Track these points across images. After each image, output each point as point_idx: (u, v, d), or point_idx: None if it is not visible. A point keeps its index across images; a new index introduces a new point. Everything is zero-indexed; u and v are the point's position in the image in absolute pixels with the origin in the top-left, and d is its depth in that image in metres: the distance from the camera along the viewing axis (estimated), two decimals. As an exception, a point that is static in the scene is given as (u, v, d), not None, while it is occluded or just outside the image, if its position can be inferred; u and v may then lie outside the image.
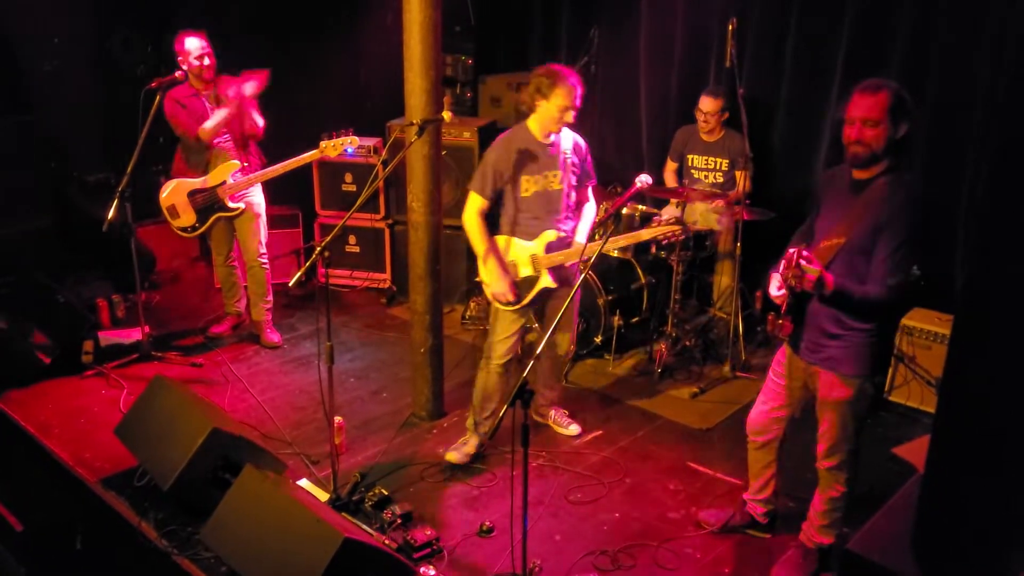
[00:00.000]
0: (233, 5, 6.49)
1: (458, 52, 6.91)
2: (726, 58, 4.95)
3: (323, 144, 5.22)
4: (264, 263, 5.57)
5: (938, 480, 2.68)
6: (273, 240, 5.80)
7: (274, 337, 5.72)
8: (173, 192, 5.33)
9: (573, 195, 4.24)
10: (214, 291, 6.41)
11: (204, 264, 6.85)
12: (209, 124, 5.15)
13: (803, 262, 2.96)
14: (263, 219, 5.51)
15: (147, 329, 5.40)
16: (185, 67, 5.16)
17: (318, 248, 3.69)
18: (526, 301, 4.22)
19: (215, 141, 5.22)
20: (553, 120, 4.01)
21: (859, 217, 3.11)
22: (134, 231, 5.17)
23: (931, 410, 4.53)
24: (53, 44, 6.02)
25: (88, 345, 5.30)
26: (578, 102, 3.98)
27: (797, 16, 5.44)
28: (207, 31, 5.20)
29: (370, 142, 6.39)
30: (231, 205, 5.34)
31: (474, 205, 4.14)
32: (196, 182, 5.30)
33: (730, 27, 4.89)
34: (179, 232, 5.44)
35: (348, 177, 6.39)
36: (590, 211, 4.36)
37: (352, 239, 6.58)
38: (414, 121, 4.18)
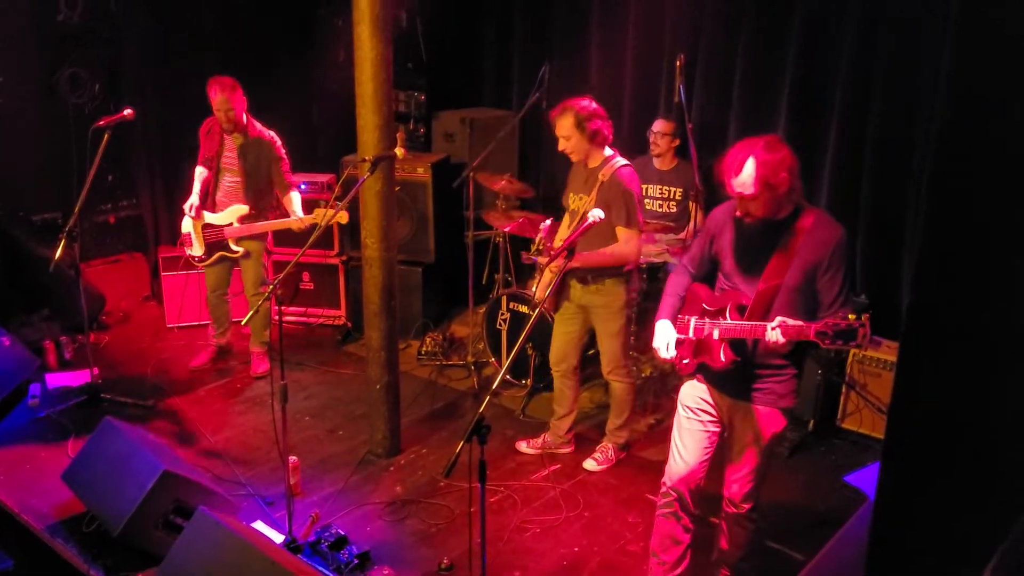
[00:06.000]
0: (184, 43, 6.46)
1: (411, 88, 6.95)
2: (675, 93, 5.05)
3: (316, 212, 5.20)
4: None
5: (889, 506, 2.72)
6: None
7: (261, 368, 5.69)
8: (190, 221, 5.42)
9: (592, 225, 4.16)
10: (165, 330, 6.31)
11: (155, 304, 6.73)
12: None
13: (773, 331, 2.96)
14: (265, 256, 5.57)
15: (96, 371, 5.29)
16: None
17: (271, 285, 3.67)
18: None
19: (223, 182, 5.39)
20: None
21: (787, 258, 3.10)
22: (81, 271, 5.08)
23: (882, 436, 4.60)
24: (-2, 82, 5.93)
25: (35, 388, 5.17)
26: (559, 132, 4.26)
27: (743, 52, 5.58)
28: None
29: (323, 178, 6.37)
30: (233, 247, 5.40)
31: None
32: (210, 216, 5.38)
33: (678, 63, 4.99)
34: (192, 259, 5.53)
35: (302, 213, 6.35)
36: (610, 248, 4.33)
37: (306, 276, 6.53)
38: (367, 157, 4.20)
